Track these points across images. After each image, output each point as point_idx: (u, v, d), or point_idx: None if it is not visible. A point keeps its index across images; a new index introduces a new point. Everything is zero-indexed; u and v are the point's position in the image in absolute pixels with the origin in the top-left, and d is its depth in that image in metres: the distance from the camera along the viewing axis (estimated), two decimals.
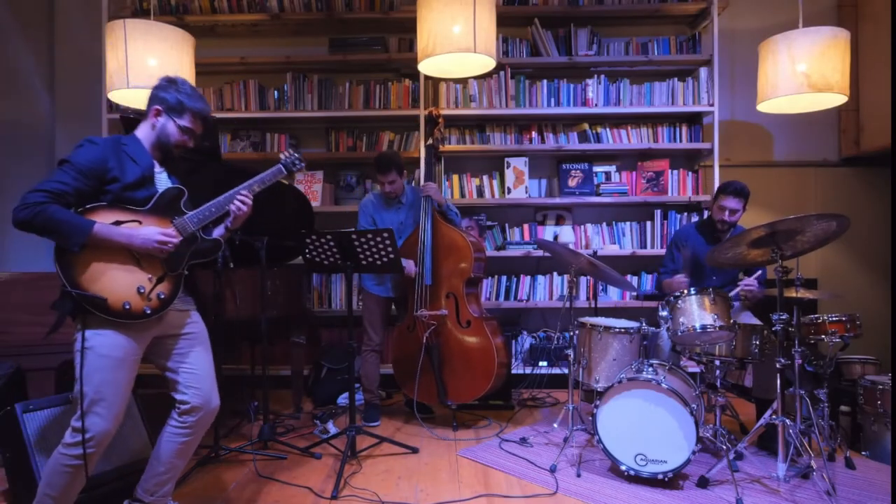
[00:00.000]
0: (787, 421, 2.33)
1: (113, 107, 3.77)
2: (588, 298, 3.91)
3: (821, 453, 2.46)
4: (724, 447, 2.40)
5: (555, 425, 3.15)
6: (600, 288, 3.94)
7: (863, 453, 2.76)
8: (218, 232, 1.98)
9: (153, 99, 1.86)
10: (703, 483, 2.33)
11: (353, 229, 2.66)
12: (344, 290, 3.97)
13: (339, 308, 3.99)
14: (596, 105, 3.94)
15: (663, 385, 2.33)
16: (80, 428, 1.65)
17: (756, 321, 2.71)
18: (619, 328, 2.75)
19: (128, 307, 1.70)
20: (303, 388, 3.55)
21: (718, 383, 2.59)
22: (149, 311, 1.74)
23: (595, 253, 3.68)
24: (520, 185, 4.01)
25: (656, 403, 2.35)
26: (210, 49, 4.06)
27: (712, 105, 3.86)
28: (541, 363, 3.86)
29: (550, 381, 3.82)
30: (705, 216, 3.22)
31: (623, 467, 2.39)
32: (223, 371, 3.02)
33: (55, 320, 1.72)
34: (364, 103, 4.00)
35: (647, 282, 4.00)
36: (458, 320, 3.05)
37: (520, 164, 4.01)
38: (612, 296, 4.01)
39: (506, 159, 4.01)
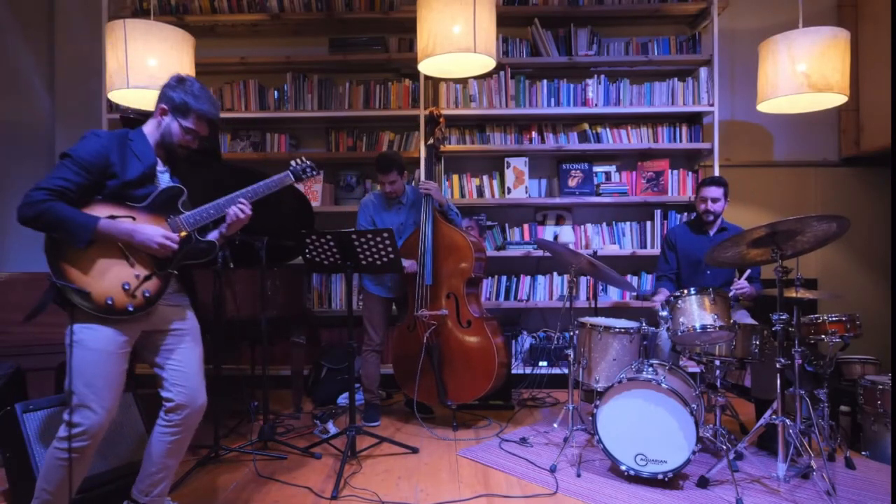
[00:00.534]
0: (787, 421, 2.33)
1: (113, 107, 3.77)
2: (588, 298, 3.92)
3: (821, 453, 2.46)
4: (724, 447, 2.40)
5: (555, 425, 3.15)
6: (600, 288, 3.94)
7: (863, 453, 2.76)
8: (214, 235, 1.96)
9: (161, 97, 1.86)
10: (703, 483, 2.33)
11: (353, 229, 2.66)
12: (344, 290, 3.97)
13: (339, 308, 3.99)
14: (596, 105, 3.94)
15: (663, 385, 2.33)
16: (71, 422, 1.65)
17: (751, 321, 2.71)
18: (619, 328, 2.75)
19: (110, 303, 1.69)
20: (303, 388, 3.55)
21: (718, 383, 2.59)
22: (132, 309, 1.73)
23: (595, 253, 3.68)
24: (520, 185, 4.01)
25: (656, 403, 2.35)
26: (210, 49, 4.07)
27: (712, 105, 3.86)
28: (541, 363, 3.86)
29: (550, 381, 3.82)
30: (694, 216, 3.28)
31: (623, 467, 2.39)
32: (223, 371, 3.03)
33: (35, 305, 1.70)
34: (364, 103, 4.00)
35: (647, 282, 4.00)
36: (459, 320, 3.05)
37: (520, 164, 4.01)
38: (612, 296, 4.01)
39: (506, 159, 4.01)
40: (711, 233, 3.14)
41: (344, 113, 3.97)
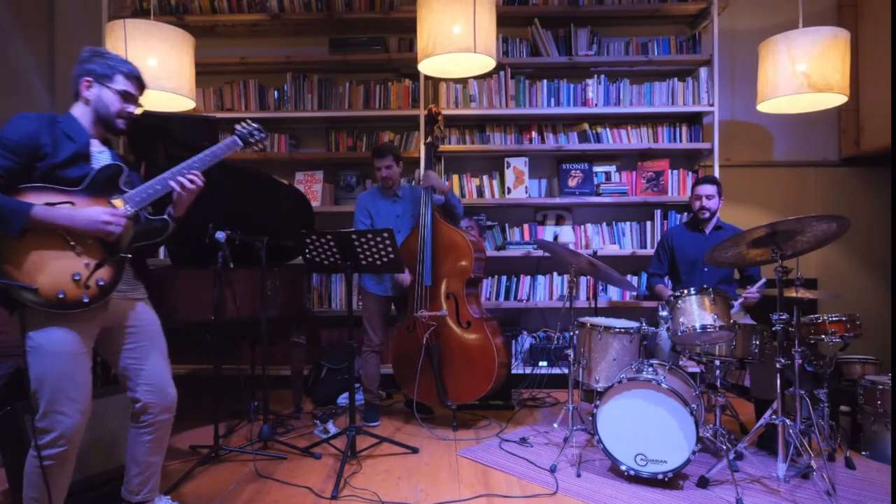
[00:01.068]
0: (787, 421, 2.33)
1: None
2: (588, 298, 3.92)
3: (821, 453, 2.46)
4: (724, 447, 2.40)
5: (555, 425, 3.15)
6: (600, 288, 3.94)
7: (863, 453, 2.76)
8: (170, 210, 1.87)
9: (79, 73, 1.75)
10: (703, 483, 2.33)
11: (353, 229, 2.66)
12: (344, 290, 3.97)
13: (339, 308, 3.99)
14: (596, 105, 3.94)
15: (663, 385, 2.33)
16: (41, 429, 1.60)
17: (749, 321, 2.71)
18: (619, 328, 2.75)
19: (62, 296, 1.58)
20: (303, 388, 3.55)
21: (718, 383, 2.59)
22: (87, 300, 1.62)
23: (595, 253, 3.68)
24: (520, 185, 4.01)
25: (656, 403, 2.35)
26: (210, 49, 4.06)
27: (712, 105, 3.86)
28: (541, 363, 3.86)
29: (550, 381, 3.82)
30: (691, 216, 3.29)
31: (623, 467, 2.39)
32: (223, 371, 3.03)
33: None
34: (364, 103, 4.00)
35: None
36: (459, 321, 3.05)
37: (520, 164, 4.01)
38: (612, 296, 4.01)
39: (506, 159, 4.01)
40: (707, 231, 3.15)
41: (344, 113, 3.97)
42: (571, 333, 2.89)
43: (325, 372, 3.69)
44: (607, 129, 4.01)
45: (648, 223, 4.00)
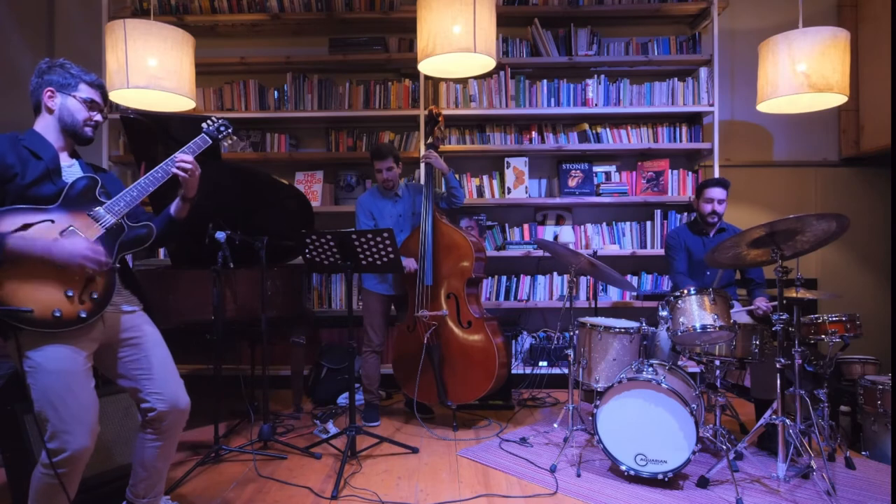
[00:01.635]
0: (787, 421, 2.33)
1: (113, 107, 3.77)
2: (588, 298, 3.91)
3: (821, 453, 2.46)
4: (724, 447, 2.40)
5: (555, 425, 3.15)
6: (600, 288, 3.94)
7: (863, 453, 2.76)
8: (173, 207, 1.86)
9: (40, 86, 1.71)
10: (703, 483, 2.33)
11: (353, 229, 2.66)
12: (344, 290, 3.97)
13: (339, 308, 3.99)
14: (596, 105, 3.94)
15: (663, 385, 2.33)
16: (52, 450, 1.55)
17: (749, 320, 2.71)
18: (619, 328, 2.75)
19: (58, 314, 1.54)
20: (303, 388, 3.55)
21: (718, 383, 2.59)
22: (84, 315, 1.59)
23: (595, 253, 3.68)
24: (520, 185, 4.01)
25: (656, 403, 2.35)
26: (210, 49, 4.06)
27: (712, 105, 3.86)
28: (541, 363, 3.86)
29: (550, 381, 3.82)
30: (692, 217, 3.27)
31: (623, 467, 2.39)
32: (223, 371, 3.03)
33: None
34: (364, 103, 4.00)
35: (647, 282, 4.01)
36: (459, 321, 3.05)
37: (520, 164, 4.01)
38: (612, 296, 4.01)
39: (506, 159, 4.01)
40: (711, 233, 3.14)
41: (344, 113, 3.97)
42: (571, 333, 2.89)
43: (325, 372, 3.69)
44: (607, 129, 4.01)
45: (648, 223, 4.00)
